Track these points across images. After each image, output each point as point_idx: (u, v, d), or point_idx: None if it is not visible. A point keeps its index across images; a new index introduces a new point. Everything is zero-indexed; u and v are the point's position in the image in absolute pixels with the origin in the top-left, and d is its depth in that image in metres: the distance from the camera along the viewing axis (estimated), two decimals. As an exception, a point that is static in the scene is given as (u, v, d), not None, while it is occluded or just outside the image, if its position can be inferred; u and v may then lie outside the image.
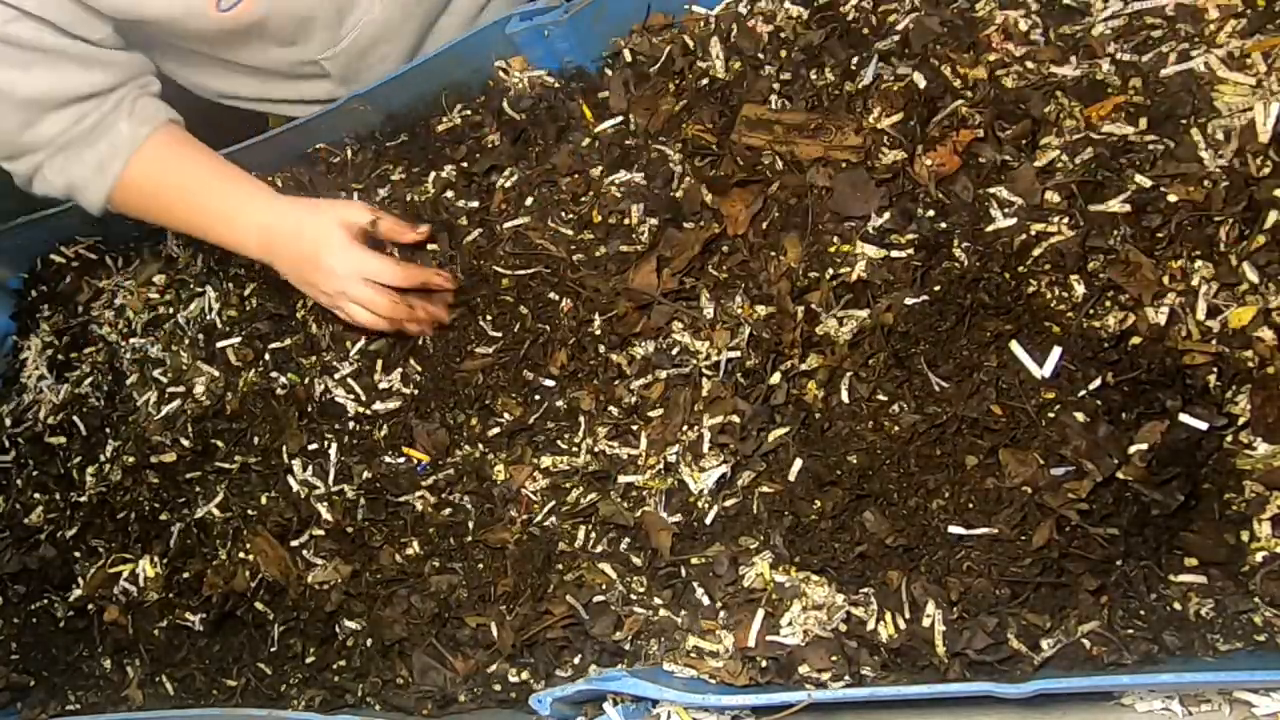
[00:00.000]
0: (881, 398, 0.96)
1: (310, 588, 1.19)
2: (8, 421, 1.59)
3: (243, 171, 1.23)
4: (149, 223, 1.31)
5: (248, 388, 1.34)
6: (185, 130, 1.25)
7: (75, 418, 1.50)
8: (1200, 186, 0.90)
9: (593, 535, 1.06)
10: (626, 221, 1.14)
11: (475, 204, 1.26)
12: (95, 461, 1.45)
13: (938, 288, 0.97)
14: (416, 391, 1.21)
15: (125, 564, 1.34)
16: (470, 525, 1.13)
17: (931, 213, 1.00)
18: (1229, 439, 0.86)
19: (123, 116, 1.20)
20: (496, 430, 1.15)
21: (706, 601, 0.97)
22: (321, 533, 1.21)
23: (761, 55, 1.13)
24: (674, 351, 1.07)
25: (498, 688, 1.06)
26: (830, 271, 1.01)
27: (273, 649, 1.20)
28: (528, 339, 1.15)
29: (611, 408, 1.08)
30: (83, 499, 1.43)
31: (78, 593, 1.37)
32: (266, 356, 1.34)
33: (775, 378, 1.00)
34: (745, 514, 0.98)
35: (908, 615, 0.89)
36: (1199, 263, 0.89)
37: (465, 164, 1.28)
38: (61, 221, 1.62)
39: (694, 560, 0.99)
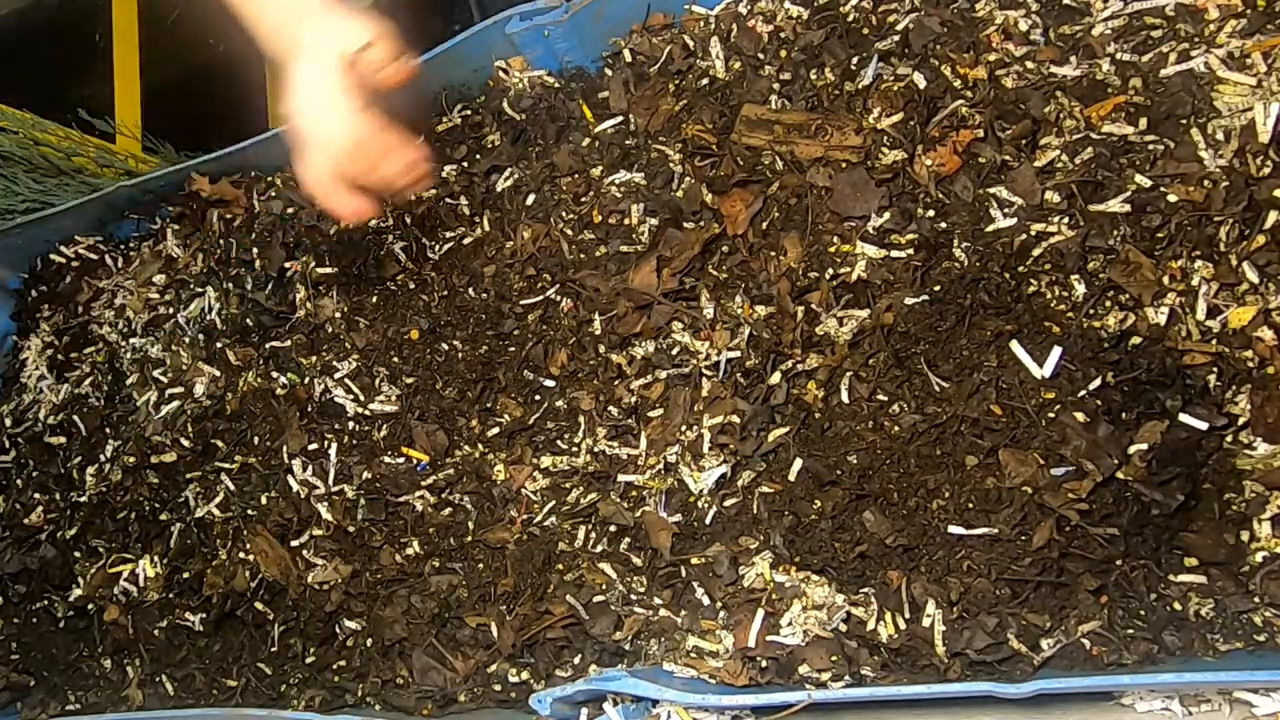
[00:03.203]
0: (881, 398, 0.96)
1: (310, 588, 1.19)
2: (8, 421, 1.59)
3: None
4: None
5: (248, 388, 1.34)
6: None
7: (75, 418, 1.50)
8: (1200, 186, 0.90)
9: (593, 535, 1.06)
10: (626, 221, 1.14)
11: (475, 204, 1.26)
12: (95, 461, 1.45)
13: (938, 288, 0.97)
14: (415, 392, 1.21)
15: (125, 564, 1.34)
16: (470, 525, 1.13)
17: (931, 213, 1.00)
18: (1229, 439, 0.86)
19: None
20: (496, 430, 1.15)
21: (706, 601, 0.97)
22: (321, 533, 1.21)
23: (761, 55, 1.13)
24: (674, 351, 1.07)
25: (498, 688, 1.06)
26: (830, 271, 1.01)
27: (273, 649, 1.20)
28: (529, 339, 1.15)
29: (611, 408, 1.08)
30: (83, 499, 1.43)
31: (78, 593, 1.37)
32: (266, 357, 1.34)
33: (775, 378, 1.00)
34: (745, 514, 0.98)
35: (908, 615, 0.89)
36: (1199, 263, 0.89)
37: (465, 164, 1.28)
38: (61, 222, 1.62)
39: (694, 560, 0.99)
